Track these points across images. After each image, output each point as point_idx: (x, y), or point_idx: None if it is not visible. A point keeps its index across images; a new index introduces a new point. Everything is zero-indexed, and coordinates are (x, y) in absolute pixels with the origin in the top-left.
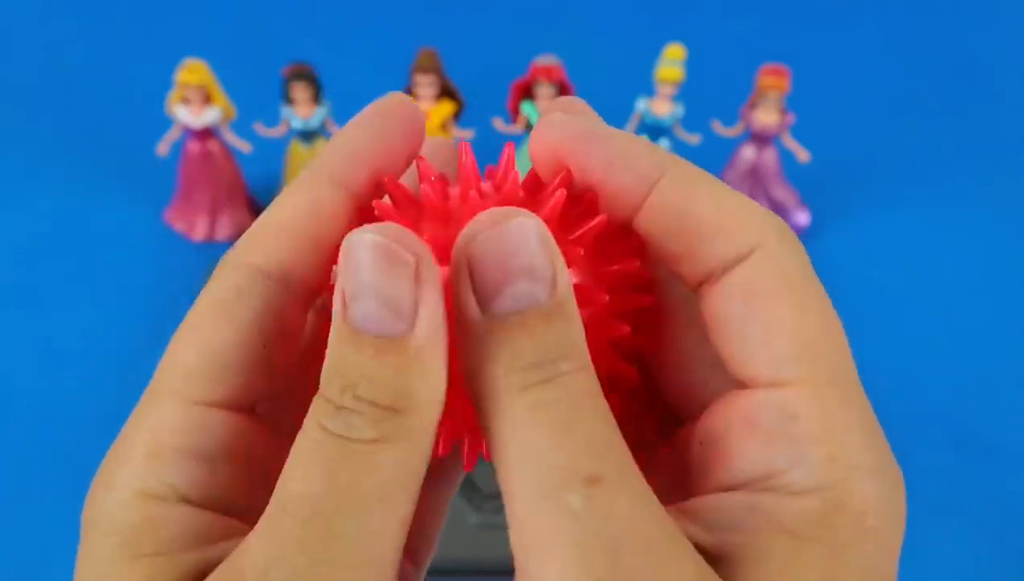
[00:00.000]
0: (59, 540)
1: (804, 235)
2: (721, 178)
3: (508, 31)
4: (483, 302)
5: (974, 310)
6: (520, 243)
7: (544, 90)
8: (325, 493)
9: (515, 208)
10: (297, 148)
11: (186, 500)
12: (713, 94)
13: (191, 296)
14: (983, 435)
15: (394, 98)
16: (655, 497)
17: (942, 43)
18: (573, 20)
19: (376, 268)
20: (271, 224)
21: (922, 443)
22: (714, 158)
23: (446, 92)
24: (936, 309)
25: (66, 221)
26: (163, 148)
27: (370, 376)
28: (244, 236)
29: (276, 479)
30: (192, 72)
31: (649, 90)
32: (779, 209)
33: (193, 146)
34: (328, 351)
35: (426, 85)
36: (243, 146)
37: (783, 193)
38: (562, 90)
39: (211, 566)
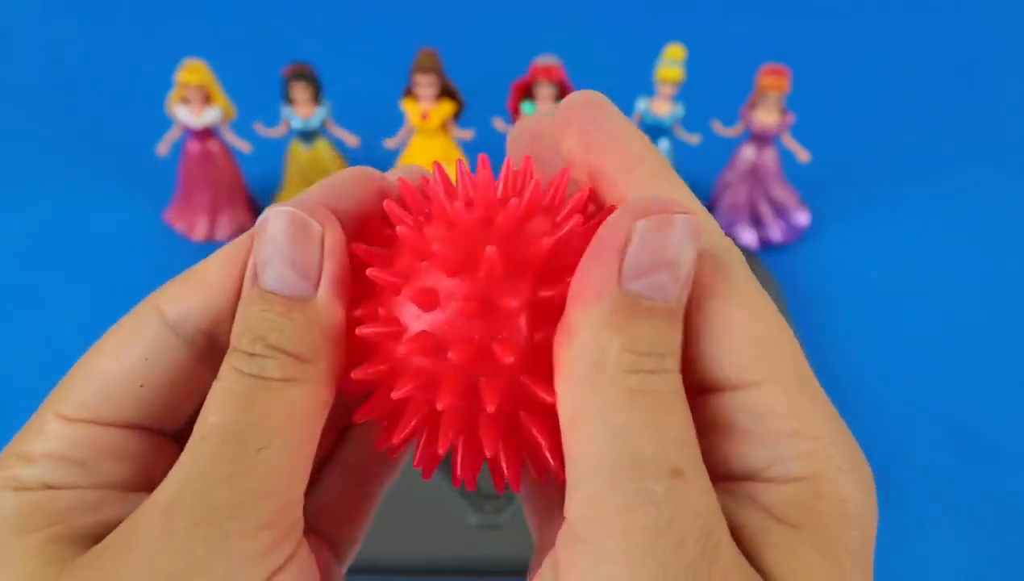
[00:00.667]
0: None
1: (804, 235)
2: (721, 178)
3: (508, 31)
4: (626, 277)
5: (974, 310)
6: (679, 237)
7: (544, 90)
8: (241, 420)
9: (676, 200)
10: (297, 148)
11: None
12: (713, 94)
13: None
14: (983, 435)
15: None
16: (716, 496)
17: (942, 43)
18: (573, 20)
19: (287, 236)
20: (192, 275)
21: (922, 443)
22: (714, 158)
23: (446, 92)
24: (936, 309)
25: (66, 221)
26: (163, 148)
27: (279, 328)
28: (172, 280)
29: (157, 469)
30: (192, 72)
31: (649, 90)
32: (779, 209)
33: (193, 146)
34: (238, 316)
35: (426, 85)
36: (243, 146)
37: (783, 193)
38: (562, 90)
39: (114, 524)
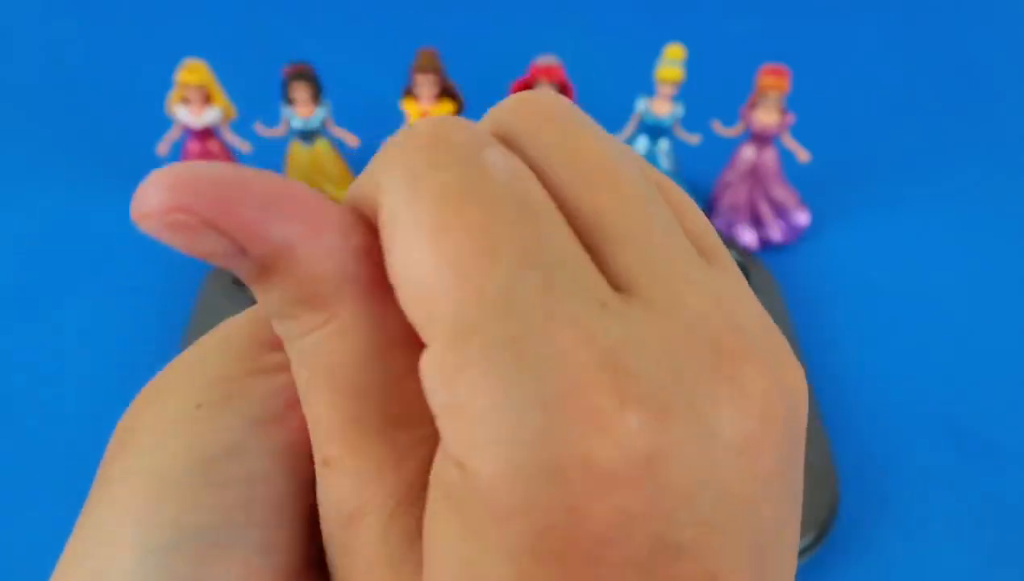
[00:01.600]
0: (59, 540)
1: (804, 235)
2: (721, 178)
3: (508, 31)
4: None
5: (975, 310)
6: (182, 239)
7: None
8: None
9: (166, 184)
10: (297, 148)
11: None
12: (713, 94)
13: (191, 296)
14: (983, 435)
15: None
16: (396, 477)
17: (942, 43)
18: (573, 20)
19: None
20: None
21: (922, 443)
22: (714, 158)
23: (446, 92)
24: (937, 309)
25: (66, 221)
26: (163, 148)
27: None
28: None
29: None
30: (192, 72)
31: (649, 90)
32: (779, 209)
33: (193, 146)
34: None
35: (426, 85)
36: (243, 146)
37: (783, 193)
38: (562, 90)
39: None
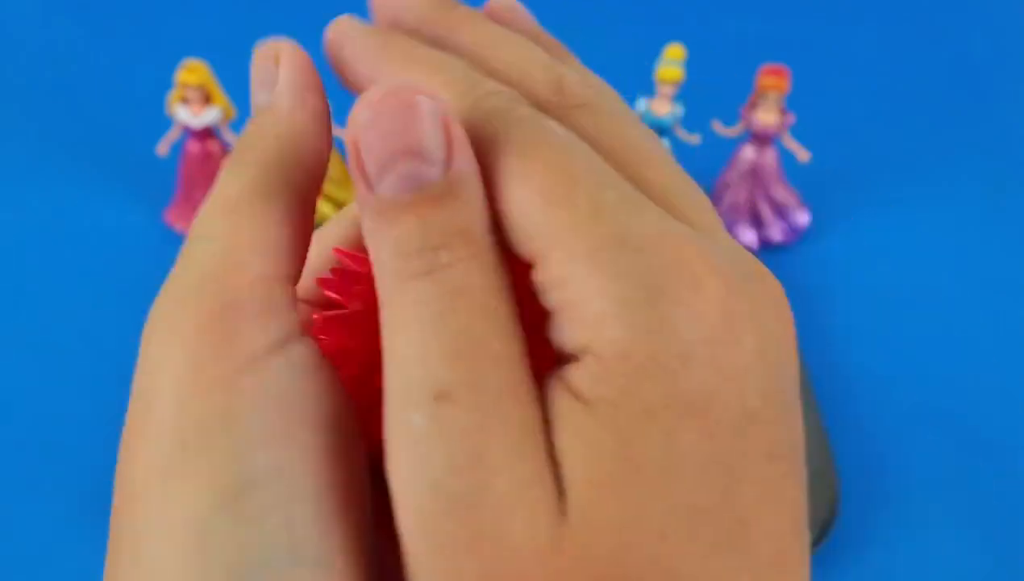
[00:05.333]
0: (59, 540)
1: (804, 235)
2: (721, 178)
3: None
4: (371, 183)
5: (975, 310)
6: (410, 121)
7: None
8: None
9: (412, 84)
10: None
11: None
12: (713, 94)
13: None
14: (984, 435)
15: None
16: (514, 409)
17: (942, 43)
18: (573, 20)
19: (252, 65)
20: None
21: (922, 443)
22: (714, 158)
23: None
24: (937, 309)
25: (66, 221)
26: (163, 148)
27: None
28: None
29: None
30: (192, 72)
31: (649, 90)
32: (779, 209)
33: (193, 146)
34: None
35: None
36: None
37: (783, 193)
38: None
39: None
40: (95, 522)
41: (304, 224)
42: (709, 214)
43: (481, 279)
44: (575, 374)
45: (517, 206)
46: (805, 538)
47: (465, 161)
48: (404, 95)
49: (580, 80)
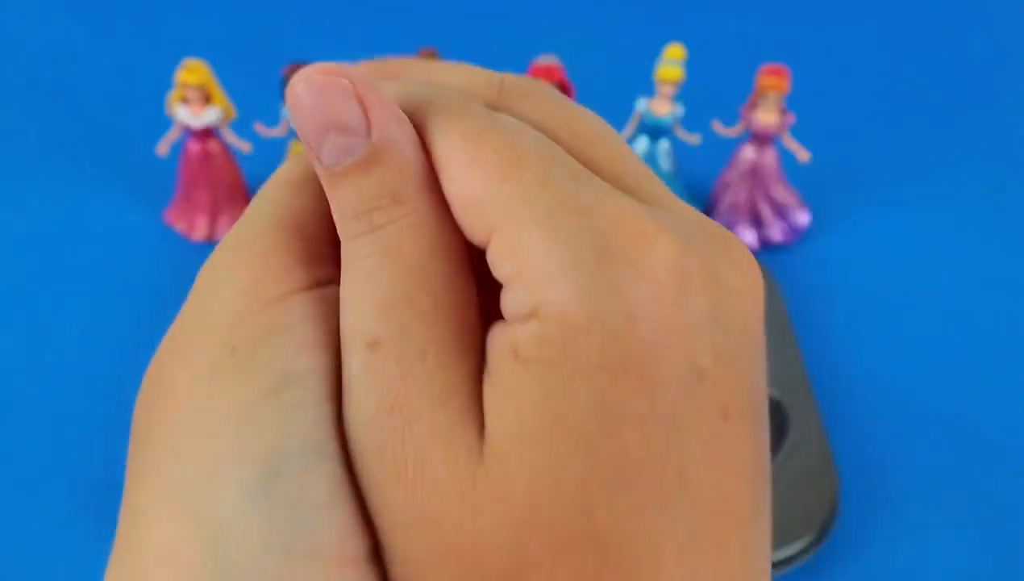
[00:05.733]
0: (59, 540)
1: (804, 235)
2: (721, 178)
3: (508, 31)
4: (318, 154)
5: (976, 310)
6: (328, 99)
7: None
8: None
9: (331, 65)
10: (297, 148)
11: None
12: (713, 94)
13: None
14: (984, 435)
15: None
16: (438, 361)
17: (942, 43)
18: (573, 20)
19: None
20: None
21: (922, 443)
22: (714, 158)
23: None
24: (937, 309)
25: (66, 221)
26: (163, 148)
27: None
28: None
29: None
30: (192, 72)
31: (649, 90)
32: (779, 209)
33: (193, 146)
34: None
35: None
36: (243, 146)
37: (783, 193)
38: (562, 90)
39: None
40: (95, 522)
41: None
42: (660, 188)
43: (413, 239)
44: (519, 334)
45: (469, 187)
46: (760, 498)
47: (387, 129)
48: (320, 76)
49: (520, 78)
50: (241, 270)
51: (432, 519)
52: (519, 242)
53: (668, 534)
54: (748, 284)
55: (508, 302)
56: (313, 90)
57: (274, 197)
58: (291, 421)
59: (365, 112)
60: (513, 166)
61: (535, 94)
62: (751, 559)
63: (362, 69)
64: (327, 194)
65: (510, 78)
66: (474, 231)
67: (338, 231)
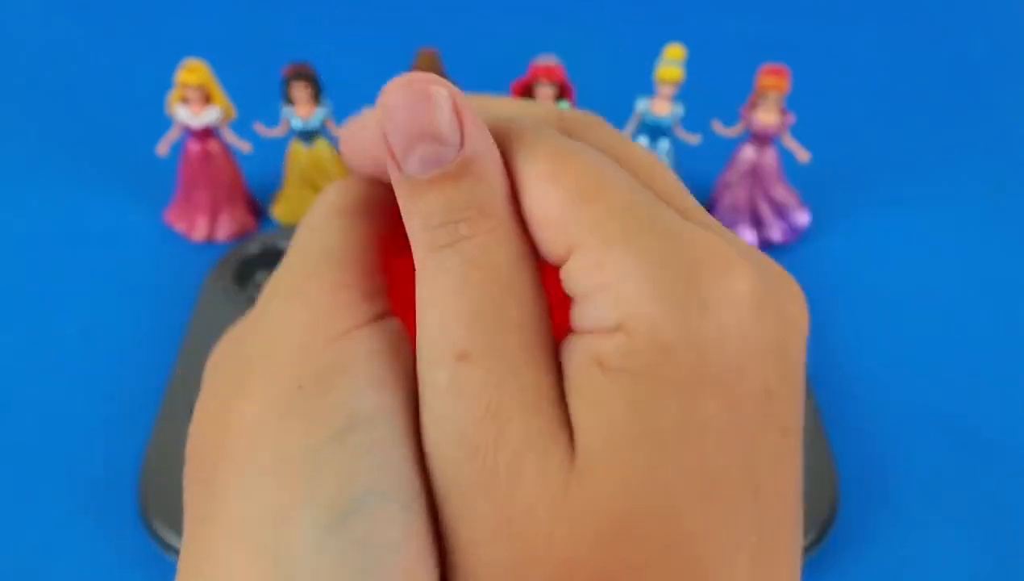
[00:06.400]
0: (59, 540)
1: (804, 235)
2: (721, 178)
3: (508, 31)
4: (399, 164)
5: (976, 310)
6: (426, 107)
7: (544, 90)
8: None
9: (427, 75)
10: (297, 148)
11: None
12: (713, 94)
13: (191, 296)
14: (984, 435)
15: None
16: (528, 369)
17: (942, 43)
18: (573, 20)
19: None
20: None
21: (923, 443)
22: (714, 158)
23: None
24: (937, 309)
25: (66, 221)
26: (163, 148)
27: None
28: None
29: None
30: (192, 72)
31: (649, 90)
32: (779, 209)
33: (193, 146)
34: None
35: None
36: (243, 146)
37: (783, 193)
38: (562, 90)
39: None
40: (95, 522)
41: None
42: (715, 222)
43: (500, 250)
44: (603, 346)
45: (552, 204)
46: (801, 507)
47: (478, 142)
48: (419, 84)
49: (577, 111)
50: (304, 306)
51: (519, 528)
52: (605, 258)
53: (743, 544)
54: (802, 315)
55: (588, 316)
56: (412, 97)
57: (327, 227)
58: (360, 462)
59: (460, 123)
60: (597, 187)
61: (595, 126)
62: (796, 568)
63: None
64: (402, 204)
65: (568, 111)
66: (552, 247)
67: (413, 244)
